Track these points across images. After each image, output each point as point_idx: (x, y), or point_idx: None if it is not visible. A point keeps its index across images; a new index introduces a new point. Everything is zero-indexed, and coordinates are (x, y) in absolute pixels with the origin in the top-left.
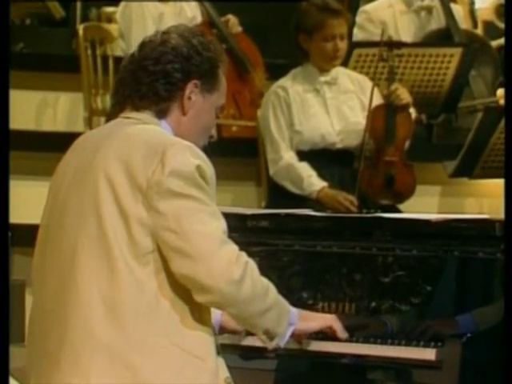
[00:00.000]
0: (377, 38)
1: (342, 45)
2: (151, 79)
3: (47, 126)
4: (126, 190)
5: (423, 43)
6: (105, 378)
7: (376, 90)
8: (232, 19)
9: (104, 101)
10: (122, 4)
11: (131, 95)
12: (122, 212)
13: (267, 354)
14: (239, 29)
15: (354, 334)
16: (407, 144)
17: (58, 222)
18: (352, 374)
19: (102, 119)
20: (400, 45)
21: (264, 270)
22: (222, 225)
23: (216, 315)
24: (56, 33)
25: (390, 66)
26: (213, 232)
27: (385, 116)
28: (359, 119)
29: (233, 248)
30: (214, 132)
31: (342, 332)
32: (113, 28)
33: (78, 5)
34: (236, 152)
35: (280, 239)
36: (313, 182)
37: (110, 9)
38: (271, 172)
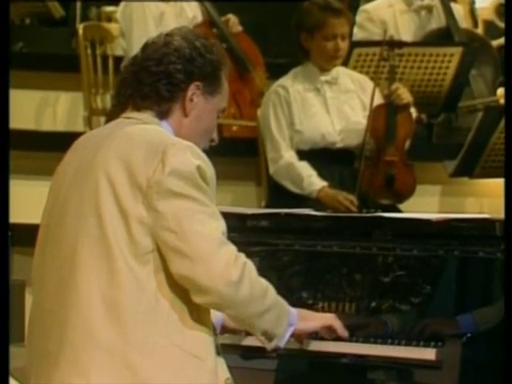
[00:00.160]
0: (377, 38)
1: (343, 44)
2: (153, 80)
3: (47, 125)
4: (126, 190)
5: (424, 42)
6: (105, 378)
7: (377, 90)
8: (232, 19)
9: (104, 100)
10: (123, 3)
11: (133, 95)
12: (122, 211)
13: (267, 354)
14: (239, 28)
15: (355, 334)
16: (408, 144)
17: (58, 222)
18: (352, 374)
19: (102, 119)
20: (401, 44)
21: (264, 270)
22: (222, 226)
23: (217, 314)
24: (56, 32)
25: (391, 65)
26: (212, 233)
27: (385, 116)
28: (360, 119)
29: (231, 249)
30: (215, 136)
31: (342, 330)
32: (113, 27)
33: (78, 4)
34: (236, 151)
35: (280, 239)
36: (313, 181)
37: (109, 8)
38: (271, 171)
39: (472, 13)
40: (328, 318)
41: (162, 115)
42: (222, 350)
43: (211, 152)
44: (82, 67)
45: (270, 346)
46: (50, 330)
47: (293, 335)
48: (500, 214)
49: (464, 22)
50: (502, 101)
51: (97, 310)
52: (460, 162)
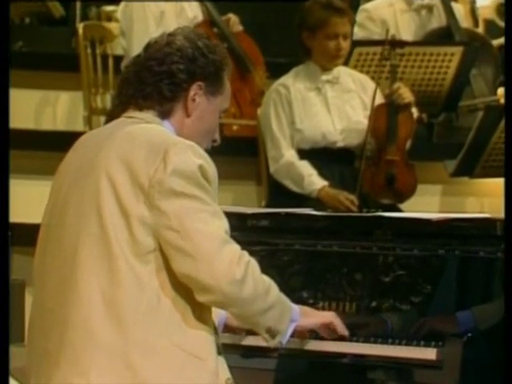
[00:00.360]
0: (377, 37)
1: (345, 44)
2: (155, 79)
3: (47, 124)
4: (128, 189)
5: (424, 42)
6: (105, 378)
7: (378, 90)
8: (233, 18)
9: (104, 100)
10: (123, 3)
11: (135, 95)
12: (123, 211)
13: (268, 353)
14: (240, 28)
15: (355, 333)
16: (409, 143)
17: (58, 221)
18: (352, 374)
19: (102, 118)
20: (403, 44)
21: (264, 270)
22: (224, 224)
23: (221, 313)
24: (56, 32)
25: (392, 64)
26: (214, 231)
27: (387, 115)
28: (361, 118)
29: (235, 248)
30: (217, 136)
31: (342, 329)
32: (113, 27)
33: (78, 4)
34: (236, 151)
35: (280, 238)
36: (313, 180)
37: (109, 7)
38: (272, 170)
39: (472, 12)
40: (329, 316)
41: (164, 115)
42: (222, 349)
43: (212, 151)
44: (81, 67)
45: (273, 343)
46: (50, 329)
47: (295, 331)
48: (500, 214)
49: (464, 21)
50: (502, 100)
51: (97, 310)
52: (460, 161)
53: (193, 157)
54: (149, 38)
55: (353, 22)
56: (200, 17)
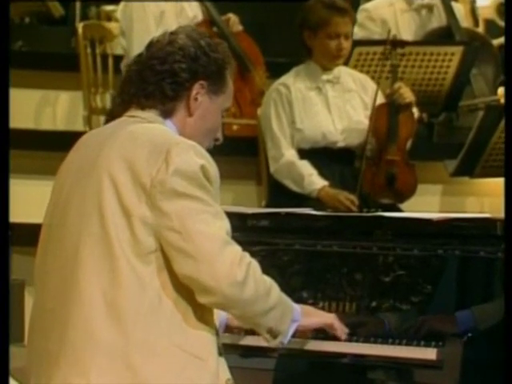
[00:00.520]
0: (377, 37)
1: (346, 44)
2: (158, 78)
3: (47, 124)
4: (130, 189)
5: (425, 41)
6: (105, 378)
7: (378, 90)
8: (233, 18)
9: (103, 99)
10: (123, 2)
11: (137, 94)
12: (124, 211)
13: (268, 353)
14: (240, 27)
15: (354, 333)
16: (409, 143)
17: (60, 221)
18: (352, 374)
19: (102, 118)
20: (404, 43)
21: (264, 270)
22: (226, 225)
23: (222, 314)
24: (55, 31)
25: (393, 64)
26: (216, 232)
27: (387, 115)
28: (361, 118)
29: (236, 249)
30: (219, 135)
31: (341, 332)
32: (112, 26)
33: (78, 3)
34: (236, 151)
35: (280, 238)
36: (313, 180)
37: (109, 7)
38: (272, 169)
39: (473, 12)
40: (329, 317)
41: (166, 114)
42: (223, 350)
43: (212, 151)
44: (81, 66)
45: (274, 343)
46: (51, 329)
47: (296, 331)
48: (500, 214)
49: (465, 21)
50: (502, 100)
51: (98, 310)
52: (461, 161)
53: (195, 157)
54: (149, 38)
55: (354, 22)
56: (200, 16)
